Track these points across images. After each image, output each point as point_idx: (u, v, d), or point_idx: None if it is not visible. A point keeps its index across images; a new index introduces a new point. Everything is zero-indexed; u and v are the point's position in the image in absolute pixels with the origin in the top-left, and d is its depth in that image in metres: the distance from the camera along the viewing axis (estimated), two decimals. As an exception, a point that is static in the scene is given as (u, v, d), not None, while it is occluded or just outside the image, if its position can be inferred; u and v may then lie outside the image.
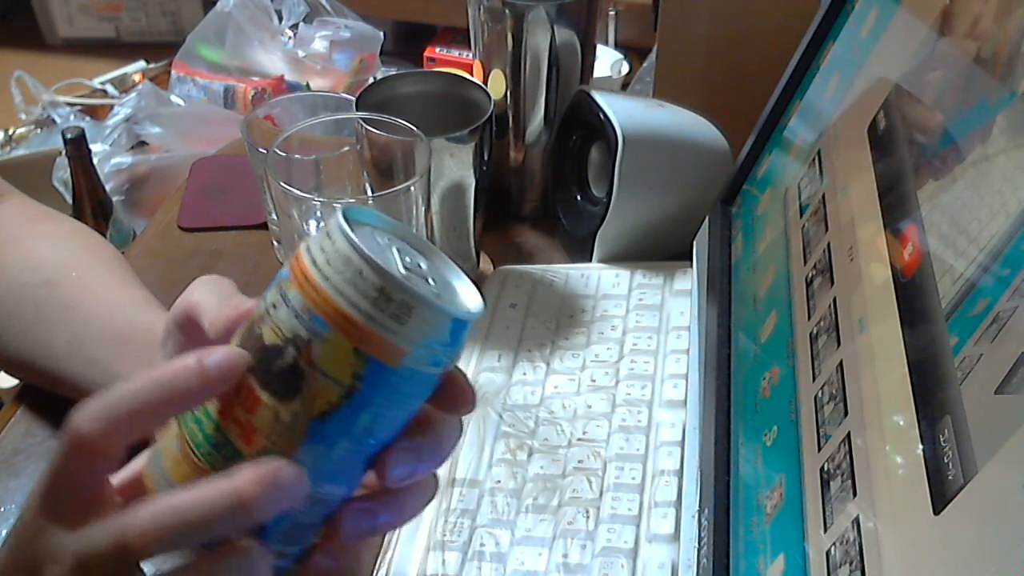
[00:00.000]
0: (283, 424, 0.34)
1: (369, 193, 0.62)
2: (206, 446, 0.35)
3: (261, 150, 0.62)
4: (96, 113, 1.56)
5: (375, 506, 0.37)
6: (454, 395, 0.37)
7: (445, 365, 0.36)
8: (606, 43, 1.15)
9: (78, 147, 1.18)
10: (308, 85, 1.48)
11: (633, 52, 1.13)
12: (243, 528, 0.34)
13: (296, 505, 0.34)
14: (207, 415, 0.35)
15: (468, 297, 0.37)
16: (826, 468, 0.39)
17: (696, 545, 0.46)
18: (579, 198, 0.71)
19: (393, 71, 1.44)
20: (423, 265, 0.36)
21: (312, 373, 0.33)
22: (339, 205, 0.34)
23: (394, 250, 0.36)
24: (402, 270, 0.34)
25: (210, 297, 0.41)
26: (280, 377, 0.34)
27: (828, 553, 0.36)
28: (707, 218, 0.63)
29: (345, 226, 0.33)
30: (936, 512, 0.31)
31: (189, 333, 0.42)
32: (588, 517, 0.50)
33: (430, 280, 0.36)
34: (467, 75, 0.70)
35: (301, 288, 0.34)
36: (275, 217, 0.67)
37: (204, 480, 0.33)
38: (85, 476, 0.35)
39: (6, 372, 0.61)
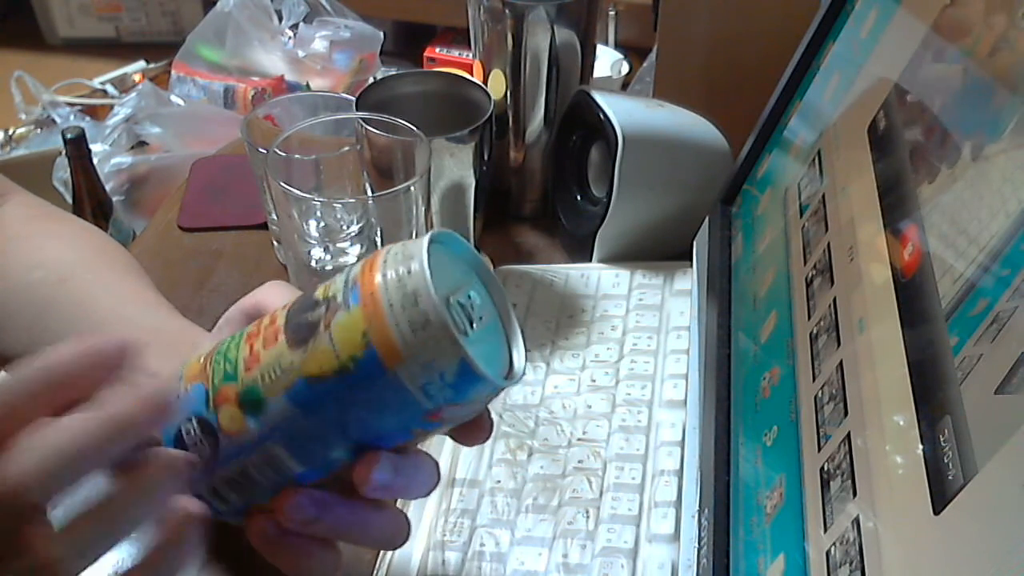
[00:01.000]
0: (280, 368, 0.35)
1: (369, 193, 0.62)
2: (222, 354, 0.37)
3: (261, 150, 0.62)
4: (96, 113, 1.57)
5: (331, 502, 0.38)
6: (476, 421, 0.39)
7: (438, 404, 0.36)
8: (606, 43, 1.15)
9: (78, 147, 1.18)
10: (308, 85, 1.48)
11: (633, 52, 1.13)
12: (129, 446, 0.33)
13: (169, 417, 0.35)
14: (242, 333, 0.38)
15: (500, 363, 0.38)
16: (826, 468, 0.39)
17: (696, 545, 0.46)
18: (579, 198, 0.71)
19: (393, 71, 1.44)
20: (484, 315, 0.37)
21: (324, 335, 0.35)
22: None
23: (465, 286, 0.37)
24: (450, 296, 0.36)
25: (280, 301, 0.42)
26: (301, 325, 0.36)
27: (828, 553, 0.36)
28: (707, 218, 0.63)
29: (428, 236, 0.36)
30: (936, 512, 0.31)
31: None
32: (588, 517, 0.50)
33: (475, 326, 0.36)
34: (467, 75, 0.70)
35: (363, 265, 0.36)
36: (275, 217, 0.67)
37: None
38: None
39: (7, 371, 0.61)
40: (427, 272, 0.34)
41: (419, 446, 0.40)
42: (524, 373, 0.38)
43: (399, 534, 0.41)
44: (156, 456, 0.35)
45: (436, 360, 0.34)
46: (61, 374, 0.34)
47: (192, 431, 0.37)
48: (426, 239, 0.36)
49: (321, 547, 0.39)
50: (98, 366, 0.34)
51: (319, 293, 0.36)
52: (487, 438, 0.41)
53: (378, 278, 0.35)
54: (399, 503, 0.52)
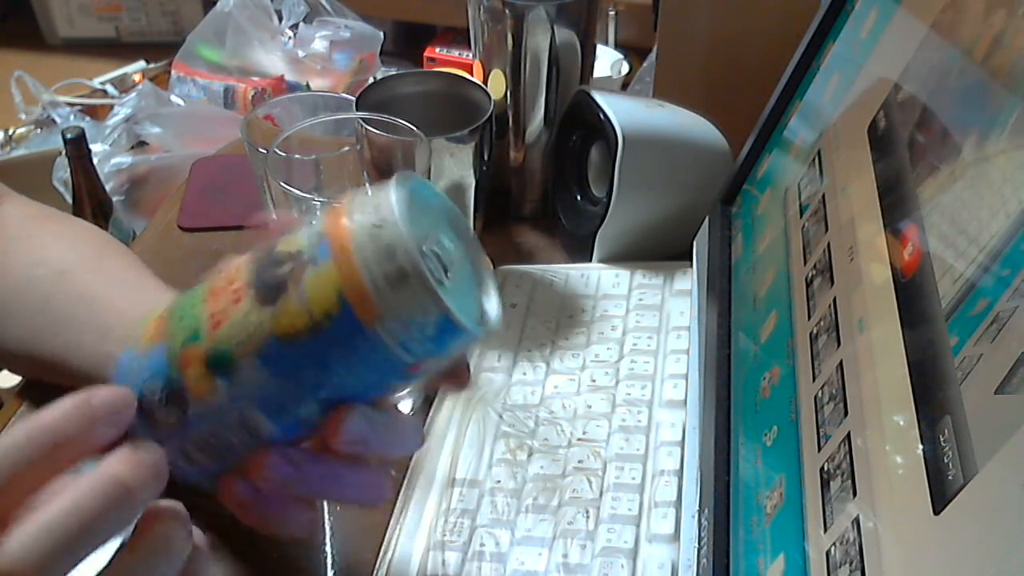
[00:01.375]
0: (248, 327, 0.34)
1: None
2: (184, 312, 0.35)
3: (261, 150, 0.62)
4: (96, 113, 1.56)
5: (304, 459, 0.36)
6: (456, 370, 0.38)
7: (417, 358, 0.35)
8: (606, 43, 1.15)
9: (78, 147, 1.18)
10: (308, 85, 1.48)
11: (633, 52, 1.13)
12: (131, 519, 0.32)
13: (162, 478, 0.33)
14: (201, 291, 0.36)
15: (477, 312, 0.36)
16: (826, 468, 0.39)
17: (696, 545, 0.46)
18: (579, 198, 0.71)
19: (393, 71, 1.44)
20: (456, 261, 0.36)
21: (294, 292, 0.33)
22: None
23: (436, 233, 0.35)
24: (424, 247, 0.34)
25: None
26: (268, 283, 0.34)
27: (828, 553, 0.36)
28: (707, 218, 0.63)
29: (396, 182, 0.34)
30: (936, 512, 0.31)
31: None
32: (588, 517, 0.50)
33: (449, 274, 0.35)
34: (467, 75, 0.70)
35: (329, 216, 0.34)
36: (275, 217, 0.67)
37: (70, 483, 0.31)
38: None
39: (9, 368, 0.61)
40: (402, 223, 0.33)
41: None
42: (499, 319, 0.36)
43: (378, 492, 0.39)
44: (166, 515, 0.33)
45: (415, 315, 0.33)
46: (58, 434, 0.32)
47: (158, 395, 0.35)
48: (395, 185, 0.34)
49: (297, 506, 0.38)
50: (96, 421, 0.33)
51: (280, 247, 0.35)
52: (467, 385, 0.40)
53: (349, 230, 0.33)
54: (400, 500, 0.52)
